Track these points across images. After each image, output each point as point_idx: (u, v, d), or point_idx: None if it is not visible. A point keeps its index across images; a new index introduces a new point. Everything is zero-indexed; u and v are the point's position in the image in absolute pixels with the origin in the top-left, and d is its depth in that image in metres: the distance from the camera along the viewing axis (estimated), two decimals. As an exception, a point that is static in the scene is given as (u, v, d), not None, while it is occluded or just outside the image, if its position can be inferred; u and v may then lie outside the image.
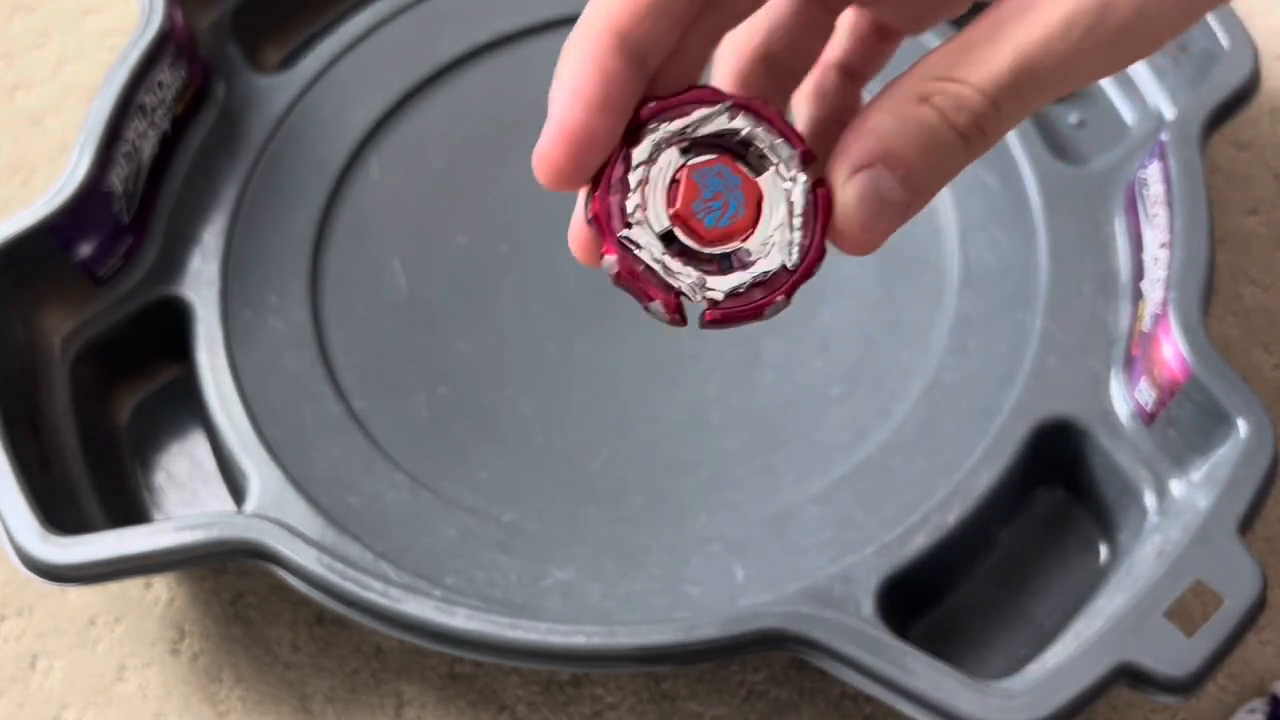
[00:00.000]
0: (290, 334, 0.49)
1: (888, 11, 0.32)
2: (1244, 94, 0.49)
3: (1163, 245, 0.45)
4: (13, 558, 0.42)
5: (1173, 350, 0.43)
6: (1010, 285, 0.48)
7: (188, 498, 0.48)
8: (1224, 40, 0.49)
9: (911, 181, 0.27)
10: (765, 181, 0.28)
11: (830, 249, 0.28)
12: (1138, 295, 0.46)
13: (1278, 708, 0.43)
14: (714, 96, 0.28)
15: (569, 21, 0.28)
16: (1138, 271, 0.47)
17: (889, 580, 0.42)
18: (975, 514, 0.44)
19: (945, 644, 0.43)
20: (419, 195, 0.52)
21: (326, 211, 0.51)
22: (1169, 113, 0.50)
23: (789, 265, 0.27)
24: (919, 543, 0.43)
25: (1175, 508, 0.42)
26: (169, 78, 0.51)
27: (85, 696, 0.45)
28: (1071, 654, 0.39)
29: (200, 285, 0.49)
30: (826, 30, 0.32)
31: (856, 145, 0.27)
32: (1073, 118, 0.53)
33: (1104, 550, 0.45)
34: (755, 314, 0.27)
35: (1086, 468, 0.45)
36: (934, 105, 0.26)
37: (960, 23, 0.30)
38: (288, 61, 0.57)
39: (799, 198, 0.27)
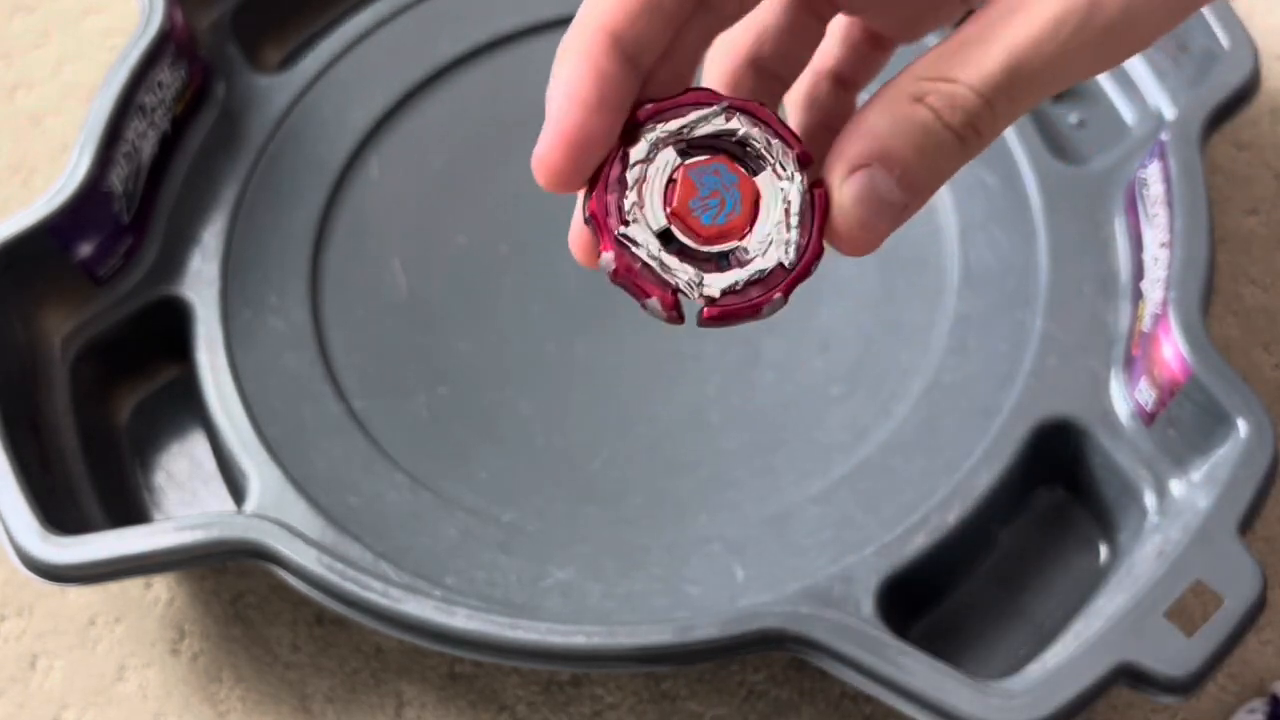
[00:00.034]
0: (290, 334, 0.49)
1: (879, 20, 0.32)
2: (1244, 94, 0.49)
3: (1163, 245, 0.45)
4: (13, 558, 0.42)
5: (1173, 350, 0.43)
6: (1010, 285, 0.48)
7: (188, 498, 0.48)
8: (1224, 40, 0.49)
9: (908, 181, 0.27)
10: (762, 181, 0.28)
11: (829, 250, 0.28)
12: (1138, 295, 0.46)
13: (1278, 708, 0.43)
14: (711, 98, 0.28)
15: (568, 22, 0.28)
16: (1138, 271, 0.47)
17: (889, 580, 0.42)
18: (975, 514, 0.44)
19: (945, 644, 0.43)
20: (419, 195, 0.52)
21: (326, 211, 0.51)
22: (1169, 113, 0.50)
23: (786, 264, 0.27)
24: (919, 543, 0.43)
25: (1175, 508, 0.42)
26: (169, 78, 0.51)
27: (85, 696, 0.46)
28: (1071, 654, 0.39)
29: (200, 285, 0.49)
30: (816, 36, 0.32)
31: (852, 146, 0.27)
32: (1073, 118, 0.53)
33: (1104, 550, 0.45)
34: (753, 312, 0.28)
35: (1086, 468, 0.45)
36: (928, 105, 0.26)
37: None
38: (288, 61, 0.57)
39: (796, 197, 0.28)
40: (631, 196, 0.27)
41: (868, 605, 0.42)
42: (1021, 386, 0.46)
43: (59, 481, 0.45)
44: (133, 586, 0.47)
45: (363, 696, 0.45)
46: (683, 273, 0.27)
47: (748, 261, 0.27)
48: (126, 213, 0.49)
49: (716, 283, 0.27)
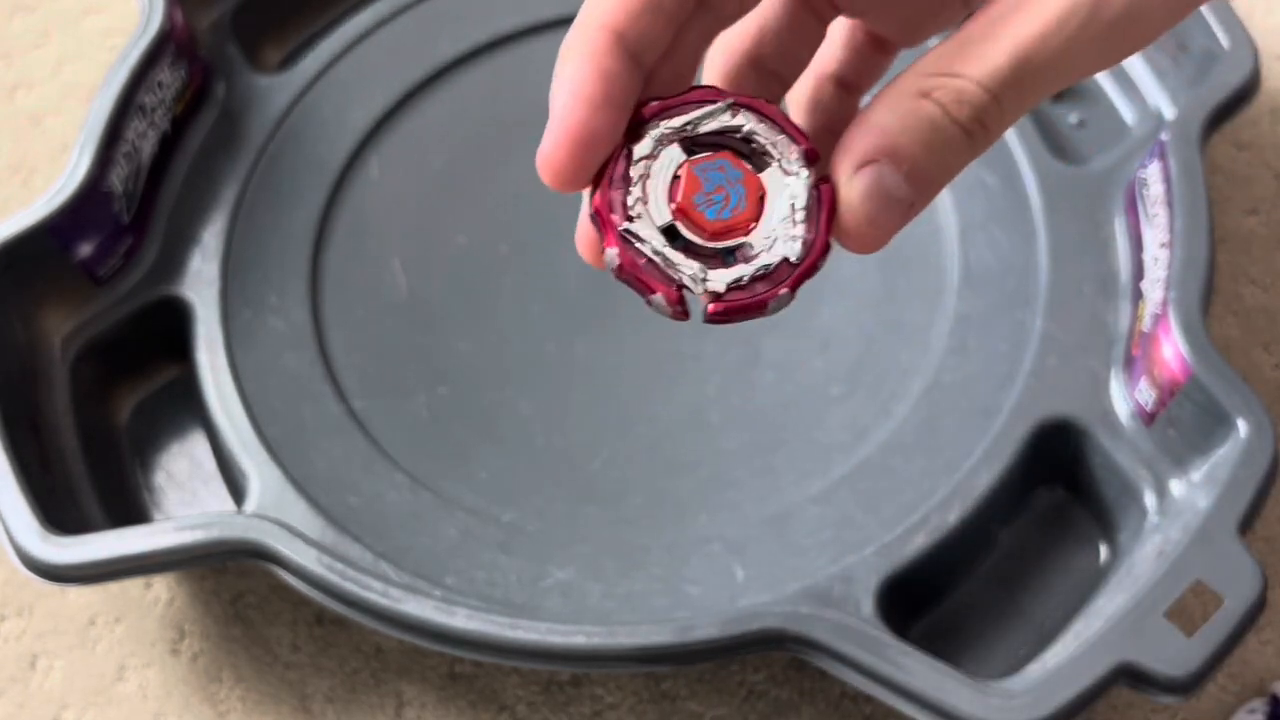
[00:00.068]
0: (290, 334, 0.49)
1: (880, 23, 0.32)
2: (1244, 94, 0.49)
3: (1163, 245, 0.45)
4: (13, 558, 0.42)
5: (1173, 350, 0.43)
6: (1010, 285, 0.48)
7: (188, 498, 0.48)
8: (1224, 40, 0.49)
9: (916, 177, 0.27)
10: (767, 177, 0.28)
11: (835, 249, 0.28)
12: (1138, 295, 0.46)
13: (1278, 708, 0.43)
14: (717, 95, 0.28)
15: (568, 22, 0.28)
16: (1138, 271, 0.47)
17: (889, 580, 0.42)
18: (975, 514, 0.44)
19: (945, 644, 0.43)
20: (419, 195, 0.52)
21: (326, 211, 0.51)
22: (1169, 113, 0.50)
23: (792, 259, 0.27)
24: (919, 543, 0.43)
25: (1175, 508, 0.42)
26: (169, 78, 0.51)
27: (85, 696, 0.46)
28: (1071, 654, 0.39)
29: (200, 285, 0.49)
30: (816, 37, 0.32)
31: (860, 141, 0.27)
32: (1073, 118, 0.53)
33: (1104, 550, 0.45)
34: (758, 307, 0.27)
35: (1086, 468, 0.45)
36: (935, 100, 0.26)
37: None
38: (288, 61, 0.57)
39: (802, 192, 0.27)
40: (635, 192, 0.27)
41: (868, 605, 0.42)
42: (1021, 386, 0.46)
43: (59, 481, 0.45)
44: (133, 586, 0.47)
45: (363, 696, 0.45)
46: (687, 268, 0.27)
47: (753, 257, 0.27)
48: (126, 213, 0.49)
49: (721, 278, 0.27)
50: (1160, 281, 0.45)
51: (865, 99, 0.33)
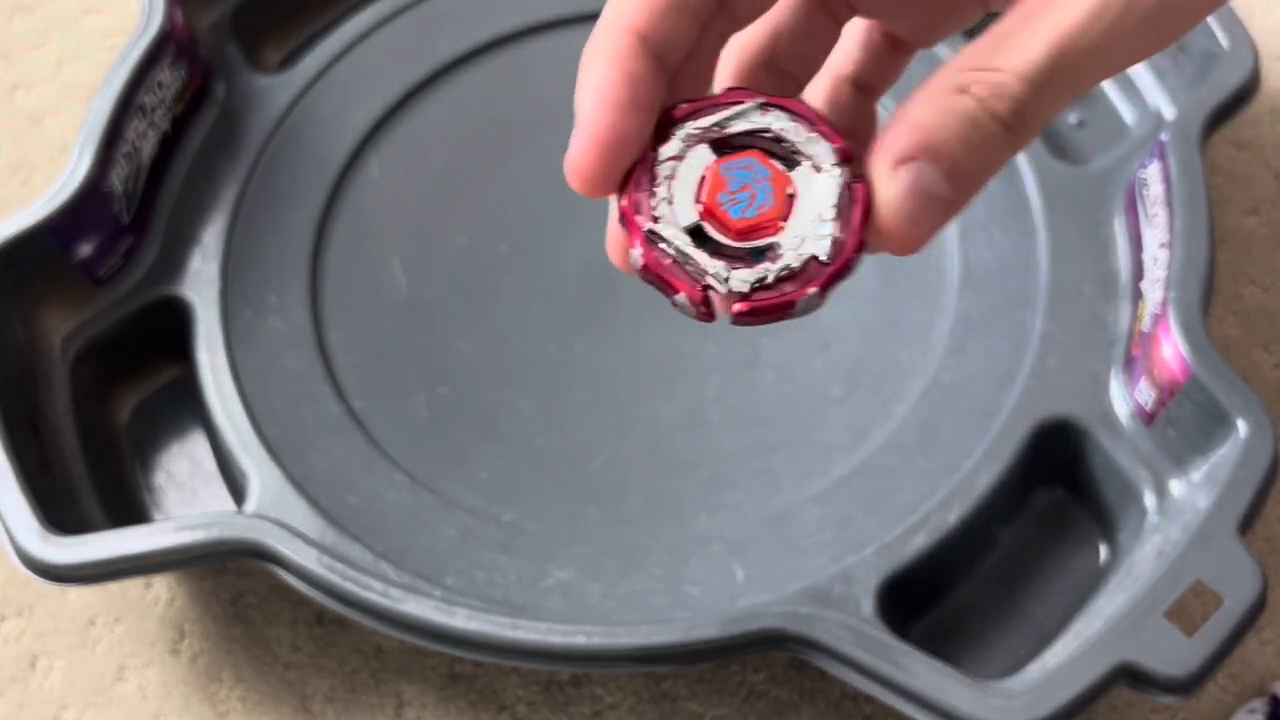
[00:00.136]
0: (290, 334, 0.49)
1: (897, 23, 0.32)
2: (1244, 94, 0.49)
3: (1163, 245, 0.46)
4: (13, 558, 0.42)
5: (1173, 350, 0.43)
6: (1010, 285, 0.48)
7: (188, 498, 0.48)
8: (1224, 40, 0.49)
9: (956, 174, 0.26)
10: (798, 176, 0.27)
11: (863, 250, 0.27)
12: (1138, 295, 0.46)
13: (1278, 708, 0.43)
14: (748, 96, 0.28)
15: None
16: (1138, 271, 0.47)
17: (889, 580, 0.42)
18: (975, 514, 0.44)
19: (945, 644, 0.43)
20: (419, 195, 0.52)
21: (326, 211, 0.51)
22: (1169, 113, 0.50)
23: (822, 257, 0.27)
24: (919, 543, 0.43)
25: (1175, 508, 0.42)
26: (169, 78, 0.51)
27: (85, 696, 0.45)
28: (1071, 654, 0.39)
29: (200, 285, 0.49)
30: (831, 38, 0.31)
31: (897, 138, 0.26)
32: (1073, 118, 0.53)
33: (1104, 550, 0.45)
34: (786, 307, 0.27)
35: (1086, 468, 0.45)
36: (973, 95, 0.26)
37: (971, 34, 0.30)
38: (288, 61, 0.57)
39: (833, 191, 0.27)
40: (662, 193, 0.27)
41: (868, 605, 0.42)
42: (1021, 386, 0.46)
43: (59, 481, 0.45)
44: (133, 586, 0.47)
45: (363, 696, 0.45)
46: (710, 268, 0.27)
47: (780, 257, 0.27)
48: (126, 213, 0.49)
49: (745, 277, 0.27)
50: (1160, 281, 0.45)
51: (880, 101, 0.33)
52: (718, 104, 0.28)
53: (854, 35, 0.32)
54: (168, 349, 0.49)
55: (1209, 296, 0.44)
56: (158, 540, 0.42)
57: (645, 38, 0.27)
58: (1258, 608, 0.39)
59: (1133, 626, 0.39)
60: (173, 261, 0.50)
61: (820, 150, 0.27)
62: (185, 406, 0.49)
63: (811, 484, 0.45)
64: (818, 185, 0.27)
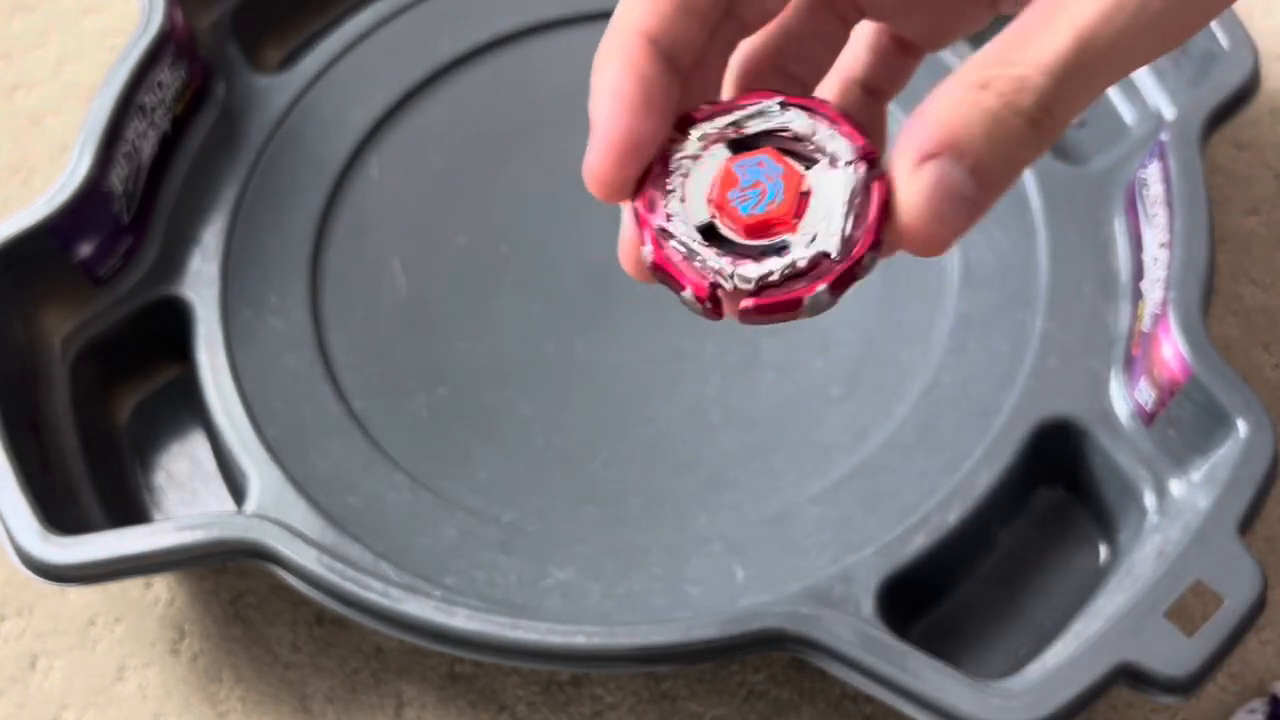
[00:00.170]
0: (290, 334, 0.49)
1: (905, 26, 0.31)
2: (1244, 94, 0.49)
3: (1163, 245, 0.46)
4: (13, 558, 0.42)
5: (1173, 350, 0.43)
6: (1010, 285, 0.48)
7: (188, 498, 0.48)
8: (1224, 40, 0.49)
9: (979, 172, 0.26)
10: (813, 173, 0.27)
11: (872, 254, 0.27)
12: (1138, 295, 0.46)
13: (1278, 708, 0.43)
14: (768, 96, 0.28)
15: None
16: (1138, 271, 0.47)
17: (889, 580, 0.42)
18: (975, 514, 0.44)
19: (945, 644, 0.43)
20: (419, 195, 0.52)
21: (326, 211, 0.51)
22: (1169, 113, 0.50)
23: (832, 254, 0.26)
24: (919, 543, 0.43)
25: (1175, 508, 0.42)
26: (169, 78, 0.51)
27: (85, 696, 0.45)
28: (1071, 654, 0.39)
29: (200, 285, 0.49)
30: (839, 40, 0.31)
31: (918, 135, 0.26)
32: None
33: (1104, 550, 0.45)
34: (793, 305, 0.26)
35: (1086, 468, 0.45)
36: (995, 90, 0.25)
37: (979, 39, 0.29)
38: (288, 61, 0.57)
39: (848, 187, 0.26)
40: (676, 191, 0.27)
41: (868, 605, 0.42)
42: (1021, 386, 0.46)
43: (59, 481, 0.45)
44: (133, 586, 0.47)
45: (363, 696, 0.45)
46: (718, 264, 0.26)
47: (789, 254, 0.26)
48: (126, 213, 0.49)
49: (751, 273, 0.26)
50: (1160, 281, 0.45)
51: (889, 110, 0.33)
52: (737, 105, 0.28)
53: (862, 38, 0.32)
54: (168, 349, 0.49)
55: (1209, 296, 0.44)
56: (158, 540, 0.42)
57: (655, 40, 0.27)
58: (1258, 608, 0.39)
59: (1133, 626, 0.39)
60: (173, 261, 0.50)
61: (840, 147, 0.27)
62: (185, 406, 0.49)
63: (811, 484, 0.45)
64: (833, 182, 0.27)
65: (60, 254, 0.47)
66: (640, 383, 0.48)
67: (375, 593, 0.42)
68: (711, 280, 0.27)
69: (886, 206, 0.26)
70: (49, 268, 0.47)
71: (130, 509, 0.47)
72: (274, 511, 0.44)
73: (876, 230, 0.26)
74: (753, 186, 0.27)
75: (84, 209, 0.47)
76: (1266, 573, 0.40)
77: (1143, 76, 0.51)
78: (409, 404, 0.48)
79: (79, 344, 0.48)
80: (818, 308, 0.27)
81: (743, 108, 0.28)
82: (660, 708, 0.44)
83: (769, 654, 0.42)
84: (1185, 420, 0.43)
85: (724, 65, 0.29)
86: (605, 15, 0.28)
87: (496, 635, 0.41)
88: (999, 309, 0.48)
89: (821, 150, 0.27)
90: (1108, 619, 0.40)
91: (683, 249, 0.27)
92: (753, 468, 0.46)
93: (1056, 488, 0.46)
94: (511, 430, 0.47)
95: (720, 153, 0.27)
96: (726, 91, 0.31)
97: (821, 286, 0.26)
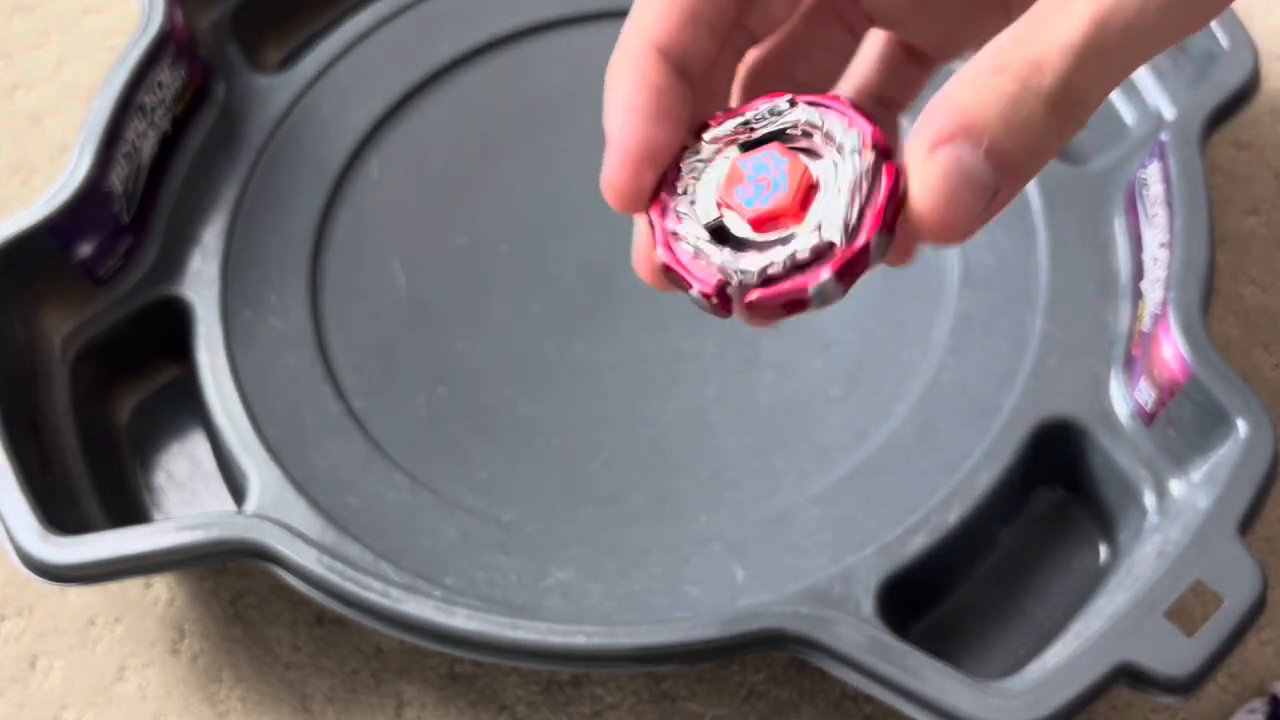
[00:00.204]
0: (290, 334, 0.49)
1: (915, 34, 0.31)
2: (1244, 94, 0.49)
3: (1163, 245, 0.46)
4: (13, 558, 0.42)
5: (1173, 350, 0.43)
6: (1010, 285, 0.48)
7: (188, 498, 0.48)
8: (1224, 40, 0.49)
9: (996, 156, 0.25)
10: (821, 164, 0.27)
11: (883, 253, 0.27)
12: (1138, 295, 0.46)
13: (1278, 708, 0.43)
14: (778, 95, 0.28)
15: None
16: (1138, 271, 0.47)
17: (889, 580, 0.42)
18: (975, 514, 0.44)
19: (945, 644, 0.43)
20: (419, 195, 0.52)
21: (326, 211, 0.51)
22: (1169, 113, 0.50)
23: (837, 241, 0.26)
24: (919, 543, 0.43)
25: (1175, 508, 0.42)
26: (169, 78, 0.51)
27: (85, 696, 0.45)
28: (1071, 654, 0.39)
29: (200, 285, 0.49)
30: (848, 50, 0.31)
31: (934, 120, 0.25)
32: (1073, 118, 0.53)
33: (1104, 550, 0.45)
34: (798, 293, 0.26)
35: (1086, 468, 0.45)
36: (1012, 72, 0.25)
37: None
38: (288, 61, 0.57)
39: (854, 176, 0.26)
40: (687, 194, 0.27)
41: (868, 605, 0.42)
42: (1021, 386, 0.46)
43: (59, 481, 0.45)
44: (133, 586, 0.47)
45: (363, 696, 0.45)
46: (723, 260, 0.26)
47: (793, 244, 0.26)
48: (126, 213, 0.49)
49: (752, 265, 0.26)
50: (1160, 281, 0.45)
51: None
52: (749, 108, 0.28)
53: (873, 47, 0.32)
54: (168, 349, 0.49)
55: (1209, 296, 0.44)
56: (158, 540, 0.42)
57: (666, 51, 0.27)
58: (1258, 608, 0.39)
59: (1133, 626, 0.39)
60: (173, 261, 0.50)
61: (849, 137, 0.26)
62: (185, 406, 0.49)
63: (811, 484, 0.45)
64: (841, 171, 0.26)
65: (60, 254, 0.47)
66: (640, 383, 0.48)
67: (375, 593, 0.42)
68: (718, 277, 0.27)
69: (896, 192, 0.26)
70: (49, 268, 0.47)
71: (130, 509, 0.47)
72: (274, 511, 0.44)
73: (883, 214, 0.26)
74: (758, 181, 0.26)
75: (84, 209, 0.47)
76: (1266, 573, 0.40)
77: (1143, 76, 0.51)
78: (409, 404, 0.48)
79: (79, 344, 0.48)
80: (825, 298, 0.26)
81: (754, 109, 0.28)
82: (660, 708, 0.44)
83: (769, 654, 0.42)
84: (1185, 420, 0.43)
85: (732, 75, 0.30)
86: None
87: (496, 635, 0.41)
88: (999, 309, 0.48)
89: (830, 141, 0.27)
90: (1108, 619, 0.40)
91: (691, 248, 0.27)
92: (753, 468, 0.46)
93: (1056, 488, 0.46)
94: (511, 430, 0.47)
95: (731, 154, 0.27)
96: (734, 100, 0.31)
97: (825, 273, 0.26)
